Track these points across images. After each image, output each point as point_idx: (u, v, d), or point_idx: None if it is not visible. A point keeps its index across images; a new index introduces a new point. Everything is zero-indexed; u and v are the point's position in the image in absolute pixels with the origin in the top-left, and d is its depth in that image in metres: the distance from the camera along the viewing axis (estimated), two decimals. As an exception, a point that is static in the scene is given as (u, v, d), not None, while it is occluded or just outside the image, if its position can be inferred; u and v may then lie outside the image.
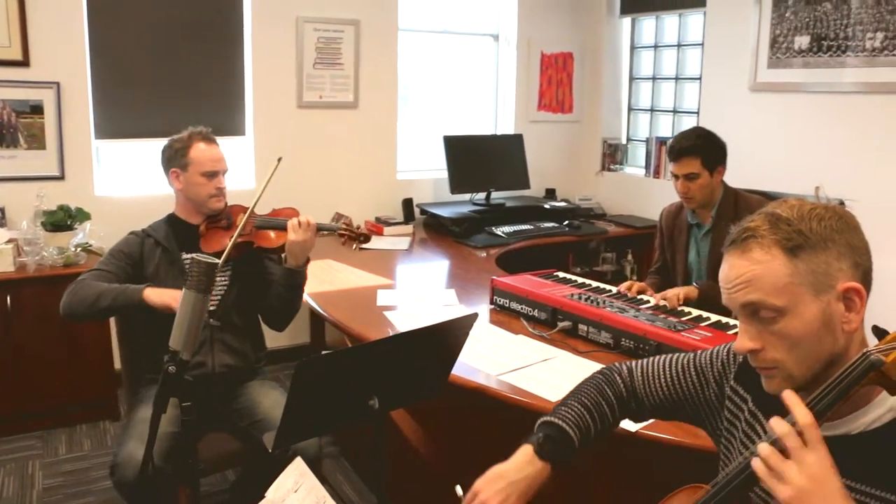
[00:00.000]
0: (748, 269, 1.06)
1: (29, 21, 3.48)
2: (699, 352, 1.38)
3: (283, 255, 2.47)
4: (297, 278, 2.43)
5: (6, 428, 3.35)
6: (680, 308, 2.52)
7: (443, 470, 2.47)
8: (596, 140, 5.23)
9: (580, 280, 2.82)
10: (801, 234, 1.04)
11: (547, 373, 2.14)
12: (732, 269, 1.09)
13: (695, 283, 2.73)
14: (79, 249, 3.35)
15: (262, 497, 1.46)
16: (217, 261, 1.42)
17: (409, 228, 4.29)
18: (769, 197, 2.81)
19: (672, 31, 4.86)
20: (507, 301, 2.70)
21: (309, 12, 4.07)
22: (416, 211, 4.50)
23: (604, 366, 1.51)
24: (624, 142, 5.24)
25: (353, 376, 1.71)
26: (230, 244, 2.19)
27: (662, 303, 2.53)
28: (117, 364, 3.49)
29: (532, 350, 2.32)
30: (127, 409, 2.38)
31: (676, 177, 2.78)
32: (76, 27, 3.56)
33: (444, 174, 4.55)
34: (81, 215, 3.36)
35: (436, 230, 4.36)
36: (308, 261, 2.45)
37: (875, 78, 3.43)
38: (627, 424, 1.68)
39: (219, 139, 2.52)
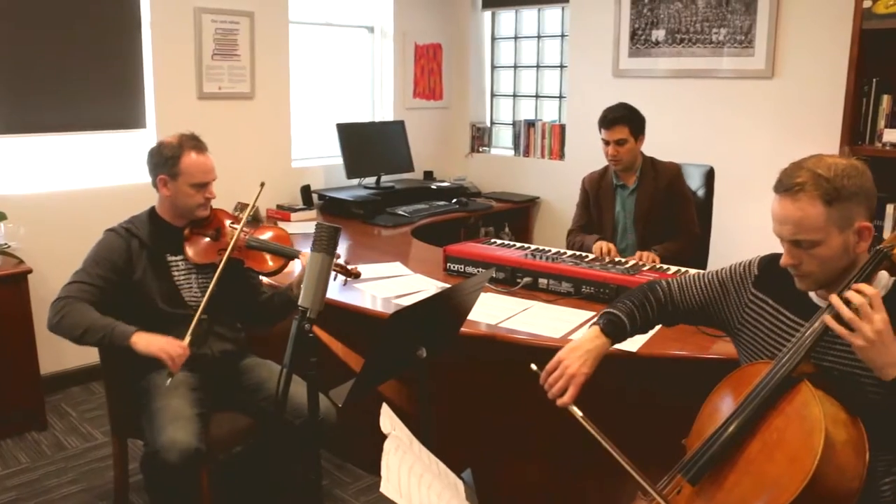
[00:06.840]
0: (797, 212, 1.48)
1: None
2: (720, 269, 1.83)
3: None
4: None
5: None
6: (616, 258, 2.98)
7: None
8: (464, 124, 5.66)
9: (517, 244, 3.19)
10: (836, 190, 1.47)
11: (533, 318, 2.49)
12: (785, 209, 1.51)
13: (653, 249, 3.10)
14: (-5, 252, 3.17)
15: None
16: (339, 226, 1.60)
17: (313, 214, 4.44)
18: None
19: (530, 23, 5.39)
20: (462, 266, 3.01)
21: (206, 3, 4.07)
22: (314, 197, 4.65)
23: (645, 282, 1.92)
24: (489, 125, 5.71)
25: (412, 329, 1.95)
26: (221, 265, 2.32)
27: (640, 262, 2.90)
28: (43, 369, 3.36)
29: (507, 303, 2.65)
30: (140, 404, 2.37)
31: (607, 143, 3.22)
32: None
33: (333, 161, 4.74)
34: (-3, 216, 3.18)
35: (336, 213, 4.54)
36: None
37: (720, 66, 4.18)
38: (627, 345, 2.08)
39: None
